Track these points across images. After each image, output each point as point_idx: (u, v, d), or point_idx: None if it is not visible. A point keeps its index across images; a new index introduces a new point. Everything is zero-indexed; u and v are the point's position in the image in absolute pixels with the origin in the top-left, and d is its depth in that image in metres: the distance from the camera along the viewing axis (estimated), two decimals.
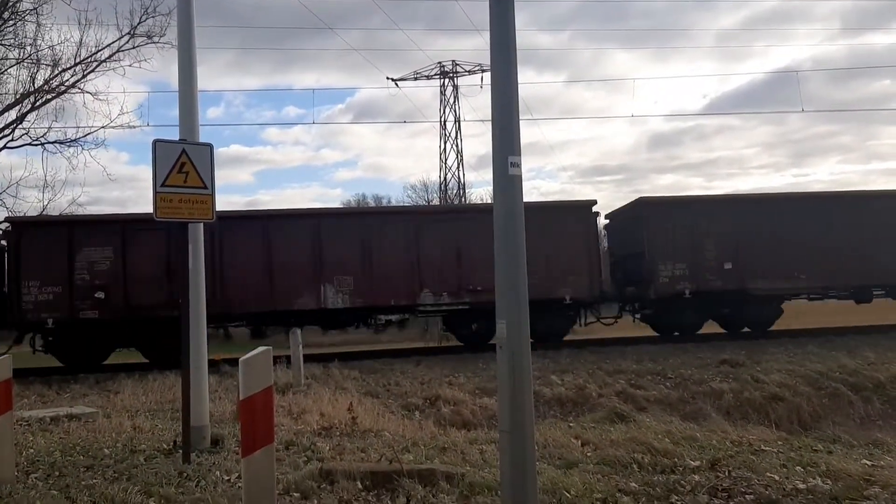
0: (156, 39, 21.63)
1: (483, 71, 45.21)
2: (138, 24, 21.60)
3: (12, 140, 22.14)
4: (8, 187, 23.86)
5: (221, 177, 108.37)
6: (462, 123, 50.26)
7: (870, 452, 6.48)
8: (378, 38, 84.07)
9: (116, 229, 15.63)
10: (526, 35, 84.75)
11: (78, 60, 21.72)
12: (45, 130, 22.27)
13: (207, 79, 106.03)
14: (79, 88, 21.91)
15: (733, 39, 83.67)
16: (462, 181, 49.24)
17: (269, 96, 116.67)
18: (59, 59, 21.75)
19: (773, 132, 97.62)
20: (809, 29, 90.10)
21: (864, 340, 16.06)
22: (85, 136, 22.53)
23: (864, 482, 4.97)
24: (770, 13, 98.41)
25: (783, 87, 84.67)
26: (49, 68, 21.77)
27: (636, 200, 18.61)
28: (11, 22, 21.32)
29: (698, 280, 17.30)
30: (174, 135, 6.86)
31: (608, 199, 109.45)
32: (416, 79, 49.10)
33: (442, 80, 49.08)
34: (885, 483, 4.93)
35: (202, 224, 6.78)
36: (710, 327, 19.02)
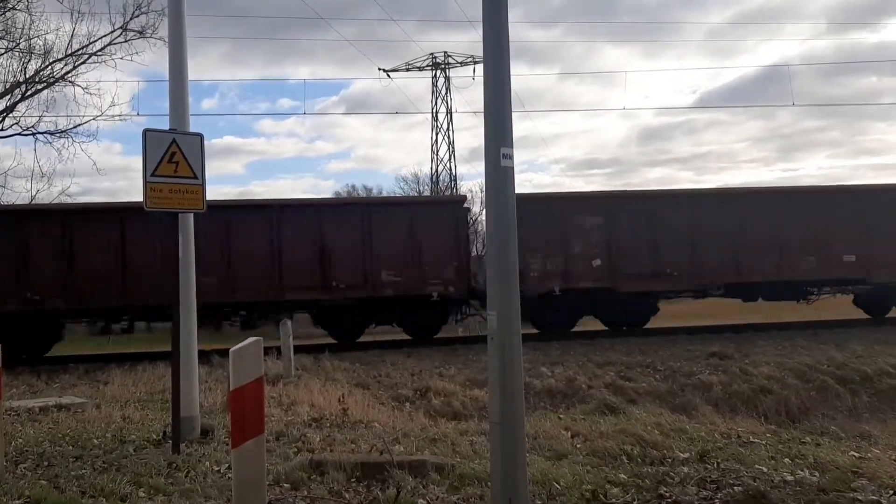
0: (148, 34, 21.52)
1: (475, 63, 45.13)
2: (130, 19, 21.48)
3: (2, 129, 22.00)
4: None
5: (213, 168, 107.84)
6: (454, 116, 50.30)
7: (857, 445, 6.55)
8: (372, 31, 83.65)
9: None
10: (519, 29, 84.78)
11: (69, 52, 21.59)
12: (36, 120, 22.13)
13: (202, 70, 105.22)
14: (68, 81, 21.77)
15: (722, 36, 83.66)
16: (454, 173, 49.32)
17: (263, 88, 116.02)
18: (51, 49, 21.62)
19: (763, 127, 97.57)
20: (797, 26, 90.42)
21: (852, 334, 16.18)
22: (75, 126, 22.43)
23: (851, 474, 5.01)
24: (757, 11, 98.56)
25: (772, 83, 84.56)
26: (40, 59, 21.63)
27: None
28: (0, 12, 21.12)
29: None
30: (167, 125, 6.82)
31: None
32: (408, 70, 48.97)
33: (434, 72, 49.00)
34: (872, 475, 4.97)
35: (192, 215, 6.74)
36: (698, 319, 19.13)
